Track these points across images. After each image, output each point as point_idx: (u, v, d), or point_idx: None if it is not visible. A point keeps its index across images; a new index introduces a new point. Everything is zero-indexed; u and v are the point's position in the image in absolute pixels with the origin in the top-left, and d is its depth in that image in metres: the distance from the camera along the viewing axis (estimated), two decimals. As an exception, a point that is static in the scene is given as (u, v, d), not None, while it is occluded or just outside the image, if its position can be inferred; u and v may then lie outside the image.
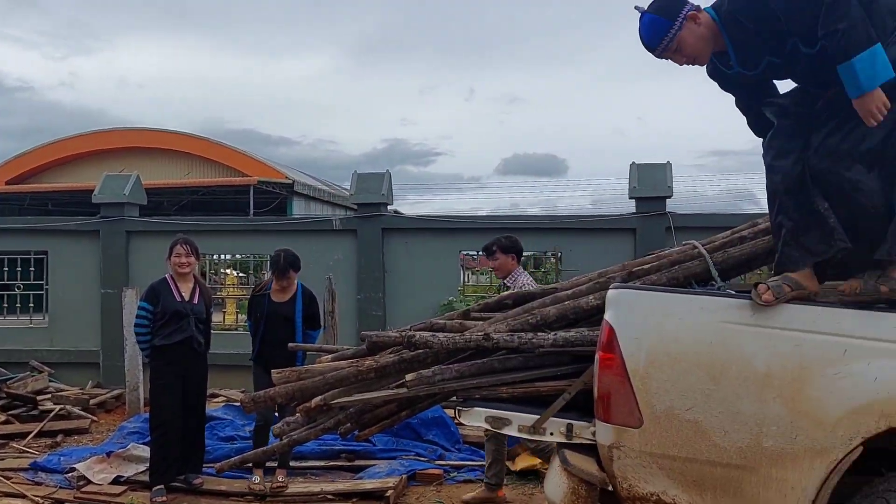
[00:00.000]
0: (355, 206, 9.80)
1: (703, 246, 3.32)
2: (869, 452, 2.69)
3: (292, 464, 5.80)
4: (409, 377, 3.24)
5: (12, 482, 5.68)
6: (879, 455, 2.78)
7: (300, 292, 5.78)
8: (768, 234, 3.26)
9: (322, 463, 6.07)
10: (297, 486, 5.53)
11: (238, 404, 7.17)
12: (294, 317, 5.70)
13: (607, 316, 2.94)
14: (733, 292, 3.11)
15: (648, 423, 2.81)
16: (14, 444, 6.83)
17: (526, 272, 5.55)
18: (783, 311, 2.78)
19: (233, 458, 4.09)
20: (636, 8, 2.46)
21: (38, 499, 5.30)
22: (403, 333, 3.55)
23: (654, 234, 8.38)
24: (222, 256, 11.09)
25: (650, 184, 8.75)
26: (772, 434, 2.67)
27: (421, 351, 3.44)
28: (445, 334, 3.44)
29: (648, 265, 3.52)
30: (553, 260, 9.60)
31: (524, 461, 5.91)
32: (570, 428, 3.07)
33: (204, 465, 5.68)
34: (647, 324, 2.89)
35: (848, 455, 2.64)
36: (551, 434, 3.11)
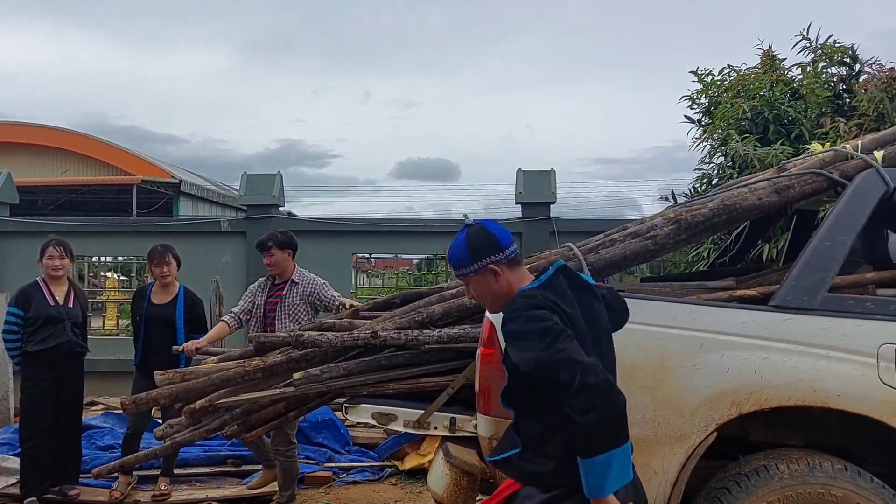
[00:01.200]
0: (245, 208, 9.64)
1: (578, 248, 3.52)
2: (724, 439, 2.95)
3: (177, 471, 5.65)
4: (296, 376, 3.27)
5: None
6: (734, 442, 3.06)
7: (181, 294, 5.62)
8: (636, 237, 3.50)
9: (208, 469, 5.94)
10: (182, 494, 5.40)
11: (119, 412, 6.91)
12: (175, 320, 5.50)
13: (488, 314, 3.07)
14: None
15: (525, 414, 2.95)
16: None
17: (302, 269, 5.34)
18: (647, 307, 3.00)
19: (111, 463, 3.97)
20: (465, 216, 2.45)
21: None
22: (292, 333, 3.58)
23: (538, 238, 8.69)
24: (103, 259, 10.61)
25: (535, 189, 9.08)
26: (637, 422, 2.88)
27: (309, 350, 3.47)
28: (334, 333, 3.49)
29: (528, 266, 3.69)
30: (444, 262, 9.77)
31: (412, 460, 6.01)
32: (453, 422, 3.19)
33: (81, 476, 5.45)
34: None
35: (704, 441, 2.88)
36: (435, 428, 3.22)
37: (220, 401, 3.49)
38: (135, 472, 5.50)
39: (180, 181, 20.01)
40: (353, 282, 9.88)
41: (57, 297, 5.32)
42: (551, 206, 9.11)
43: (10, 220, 9.30)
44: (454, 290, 3.63)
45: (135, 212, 18.61)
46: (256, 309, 5.14)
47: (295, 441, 5.12)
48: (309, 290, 5.07)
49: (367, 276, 13.04)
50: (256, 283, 5.29)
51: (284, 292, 5.09)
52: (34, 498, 5.09)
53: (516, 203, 9.19)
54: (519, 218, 9.14)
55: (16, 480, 5.32)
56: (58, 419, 5.25)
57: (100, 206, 20.80)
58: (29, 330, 5.22)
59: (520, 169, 9.24)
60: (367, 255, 10.10)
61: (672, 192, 7.78)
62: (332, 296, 5.05)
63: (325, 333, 3.49)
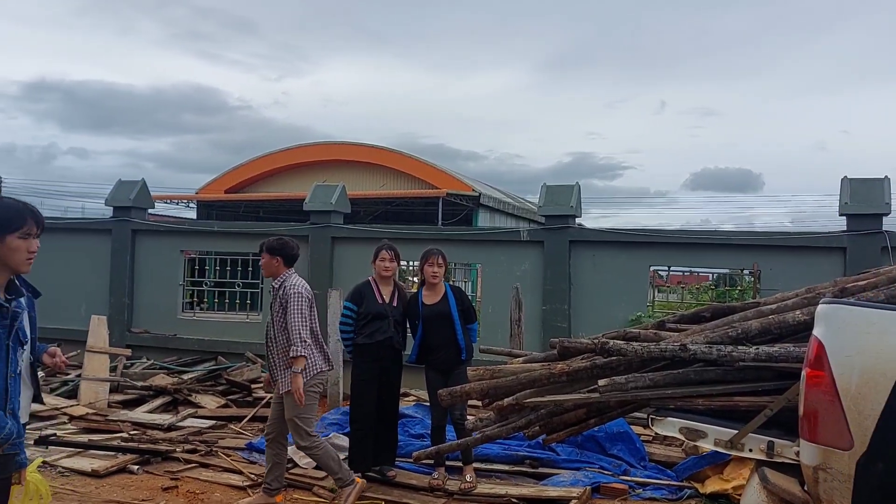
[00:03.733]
0: (542, 219, 9.92)
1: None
2: None
3: (478, 465, 5.99)
4: (601, 382, 3.28)
5: (231, 459, 6.35)
6: None
7: (449, 291, 5.97)
8: None
9: (507, 467, 6.20)
10: (484, 488, 5.69)
11: (427, 403, 7.51)
12: (451, 314, 5.85)
13: (816, 332, 2.81)
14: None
15: (860, 446, 2.64)
16: (231, 426, 7.60)
17: (296, 275, 5.41)
18: None
19: (429, 449, 4.34)
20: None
21: (253, 476, 5.88)
22: (596, 340, 3.60)
23: (867, 254, 7.73)
24: (410, 265, 11.63)
25: (864, 200, 8.08)
26: None
27: (614, 358, 3.47)
28: (640, 343, 3.45)
29: (864, 282, 3.31)
30: (750, 278, 9.11)
31: (714, 484, 5.68)
32: (771, 445, 2.96)
33: (396, 459, 6.02)
34: (862, 341, 2.73)
35: None
36: (750, 450, 3.02)
37: (527, 400, 3.62)
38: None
39: (480, 194, 21.25)
40: (649, 295, 9.62)
41: (384, 296, 5.95)
42: (884, 217, 8.03)
43: (344, 227, 10.63)
44: (773, 306, 3.38)
45: (440, 222, 20.12)
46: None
47: (315, 434, 5.30)
48: (285, 298, 5.19)
49: (659, 291, 12.62)
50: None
51: (273, 296, 5.34)
52: (359, 474, 5.73)
53: (840, 215, 8.26)
54: (843, 231, 8.20)
55: (344, 456, 6.02)
56: (379, 406, 5.86)
57: (410, 217, 22.83)
58: (360, 324, 5.89)
59: (846, 177, 8.30)
60: (664, 269, 9.77)
61: None
62: (290, 320, 5.13)
63: (632, 343, 3.46)
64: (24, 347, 2.84)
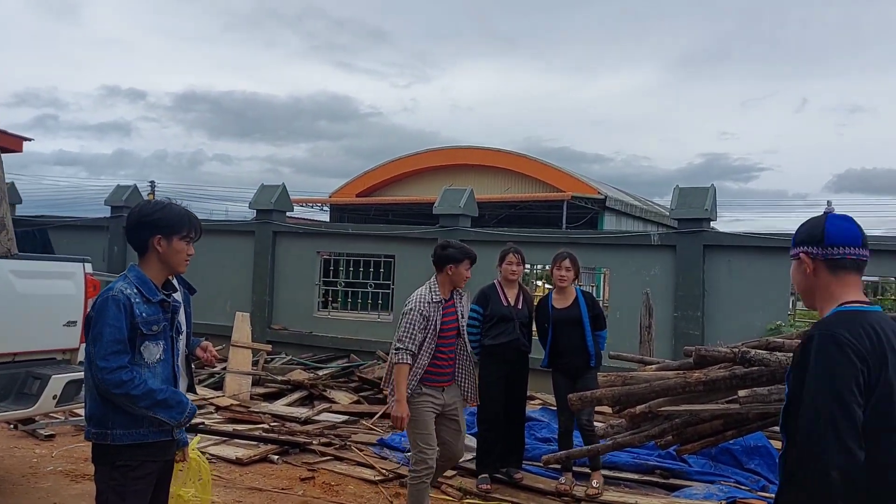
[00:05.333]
0: (672, 222, 9.62)
1: None
2: None
3: (606, 473, 5.90)
4: (742, 393, 3.17)
5: (364, 454, 6.58)
6: None
7: (580, 295, 5.88)
8: None
9: (636, 476, 6.07)
10: (611, 495, 5.59)
11: (553, 408, 7.47)
12: (581, 319, 5.78)
13: None
14: None
15: None
16: (363, 422, 7.87)
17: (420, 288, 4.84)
18: None
19: (558, 453, 4.32)
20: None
21: (385, 471, 6.06)
22: (736, 349, 3.47)
23: None
24: (535, 269, 11.59)
25: None
26: None
27: (755, 368, 3.34)
28: (783, 353, 3.30)
29: None
30: (905, 286, 8.44)
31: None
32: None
33: (523, 462, 6.03)
34: None
35: None
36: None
37: (661, 409, 3.54)
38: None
39: (605, 197, 20.85)
40: (790, 304, 9.12)
41: (509, 299, 5.98)
42: None
43: (472, 230, 10.76)
44: (937, 317, 3.13)
45: (564, 225, 19.92)
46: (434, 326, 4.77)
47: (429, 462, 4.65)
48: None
49: (799, 300, 11.89)
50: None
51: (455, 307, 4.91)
52: (486, 475, 5.78)
53: None
54: None
55: (472, 457, 6.10)
56: (506, 408, 5.89)
57: (534, 220, 22.74)
58: (486, 326, 5.95)
59: None
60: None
61: None
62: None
63: (775, 353, 3.31)
64: (181, 338, 3.10)
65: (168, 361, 2.92)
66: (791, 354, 3.30)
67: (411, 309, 4.69)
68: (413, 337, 4.61)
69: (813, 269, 2.07)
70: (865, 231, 2.09)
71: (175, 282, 3.13)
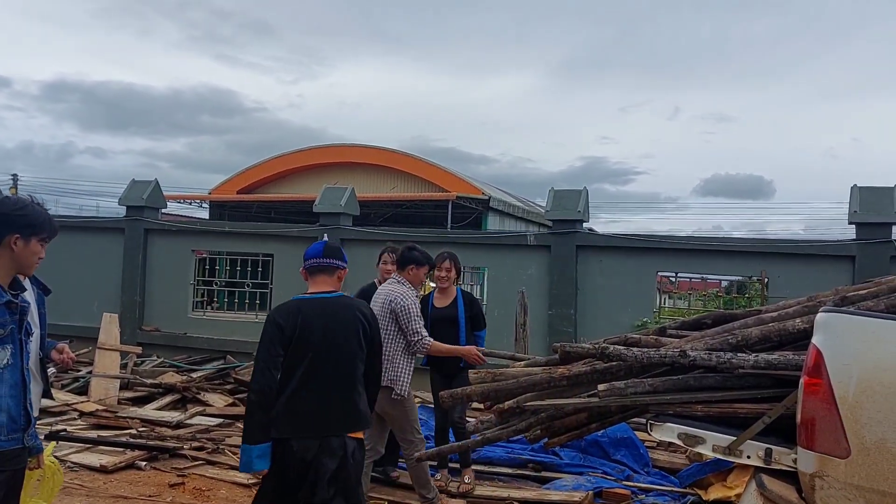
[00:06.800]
0: (550, 223, 9.95)
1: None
2: None
3: (480, 468, 6.02)
4: (601, 387, 3.31)
5: (237, 457, 6.41)
6: None
7: (460, 295, 6.00)
8: None
9: (509, 470, 6.23)
10: (485, 490, 5.73)
11: (430, 405, 7.55)
12: (458, 319, 5.87)
13: (815, 340, 2.83)
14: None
15: (856, 454, 2.67)
16: (238, 425, 7.66)
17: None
18: None
19: (431, 450, 4.37)
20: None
21: (259, 475, 5.92)
22: (597, 345, 3.63)
23: (876, 263, 7.72)
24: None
25: (873, 208, 8.07)
26: None
27: (614, 363, 3.50)
28: (640, 349, 3.48)
29: (865, 291, 3.32)
30: (759, 285, 9.11)
31: (717, 491, 5.68)
32: (769, 452, 2.98)
33: (399, 460, 6.05)
34: (860, 350, 2.76)
35: None
36: (748, 457, 3.04)
37: (528, 403, 3.65)
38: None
39: (489, 197, 21.25)
40: (657, 302, 9.63)
41: (388, 298, 5.99)
42: (893, 226, 8.01)
43: (353, 229, 10.70)
44: (774, 314, 3.40)
45: (449, 225, 20.16)
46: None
47: (418, 437, 5.09)
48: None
49: (670, 297, 12.60)
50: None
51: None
52: (363, 474, 5.78)
53: (850, 223, 8.25)
54: (852, 240, 8.19)
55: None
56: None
57: (420, 220, 22.88)
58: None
59: (854, 185, 8.29)
60: (672, 275, 9.77)
61: None
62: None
63: (632, 348, 3.48)
64: (31, 339, 2.92)
65: (17, 366, 2.75)
66: (648, 349, 3.50)
67: (409, 300, 5.02)
68: (421, 327, 5.03)
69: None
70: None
71: (26, 281, 2.95)
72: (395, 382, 4.91)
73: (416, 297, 5.26)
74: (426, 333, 5.05)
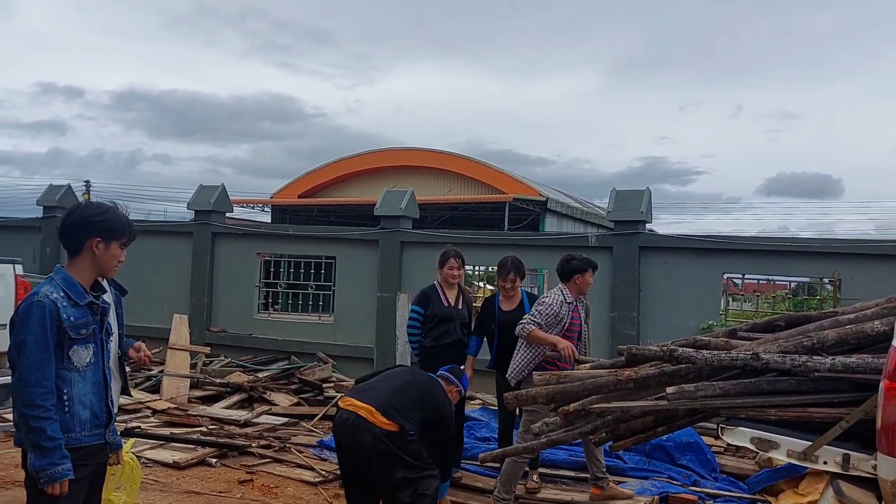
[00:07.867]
0: (610, 224, 9.82)
1: None
2: None
3: (544, 470, 6.00)
4: (670, 390, 3.28)
5: (303, 455, 6.54)
6: None
7: (525, 299, 5.99)
8: None
9: (573, 473, 6.19)
10: (548, 492, 5.71)
11: (493, 407, 7.57)
12: None
13: (895, 342, 2.75)
14: None
15: (941, 461, 2.58)
16: (304, 424, 7.82)
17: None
18: None
19: (495, 451, 4.39)
20: None
21: (324, 472, 6.04)
22: (665, 348, 3.59)
23: (956, 263, 7.38)
24: (476, 270, 11.66)
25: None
26: None
27: (683, 366, 3.45)
28: (710, 351, 3.43)
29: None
30: (831, 287, 8.81)
31: (788, 498, 5.53)
32: (846, 458, 2.91)
33: (462, 461, 6.08)
34: (944, 354, 2.66)
35: None
36: (824, 463, 2.97)
37: (593, 406, 3.63)
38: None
39: (547, 199, 21.11)
40: (722, 303, 9.42)
41: (450, 300, 6.03)
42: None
43: (413, 232, 10.78)
44: (851, 316, 3.31)
45: (506, 226, 20.11)
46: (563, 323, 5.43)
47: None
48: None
49: (734, 300, 12.30)
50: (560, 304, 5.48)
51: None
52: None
53: (924, 221, 7.92)
54: (928, 239, 7.85)
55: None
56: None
57: (476, 222, 22.88)
58: (427, 326, 5.99)
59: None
60: (738, 277, 9.52)
61: None
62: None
63: (701, 351, 3.44)
64: (111, 339, 3.06)
65: (98, 365, 2.87)
66: (718, 351, 3.44)
67: (546, 301, 5.42)
68: (540, 319, 5.29)
69: None
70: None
71: (105, 283, 3.08)
72: (512, 369, 5.40)
73: (569, 303, 5.49)
74: (532, 321, 5.29)
